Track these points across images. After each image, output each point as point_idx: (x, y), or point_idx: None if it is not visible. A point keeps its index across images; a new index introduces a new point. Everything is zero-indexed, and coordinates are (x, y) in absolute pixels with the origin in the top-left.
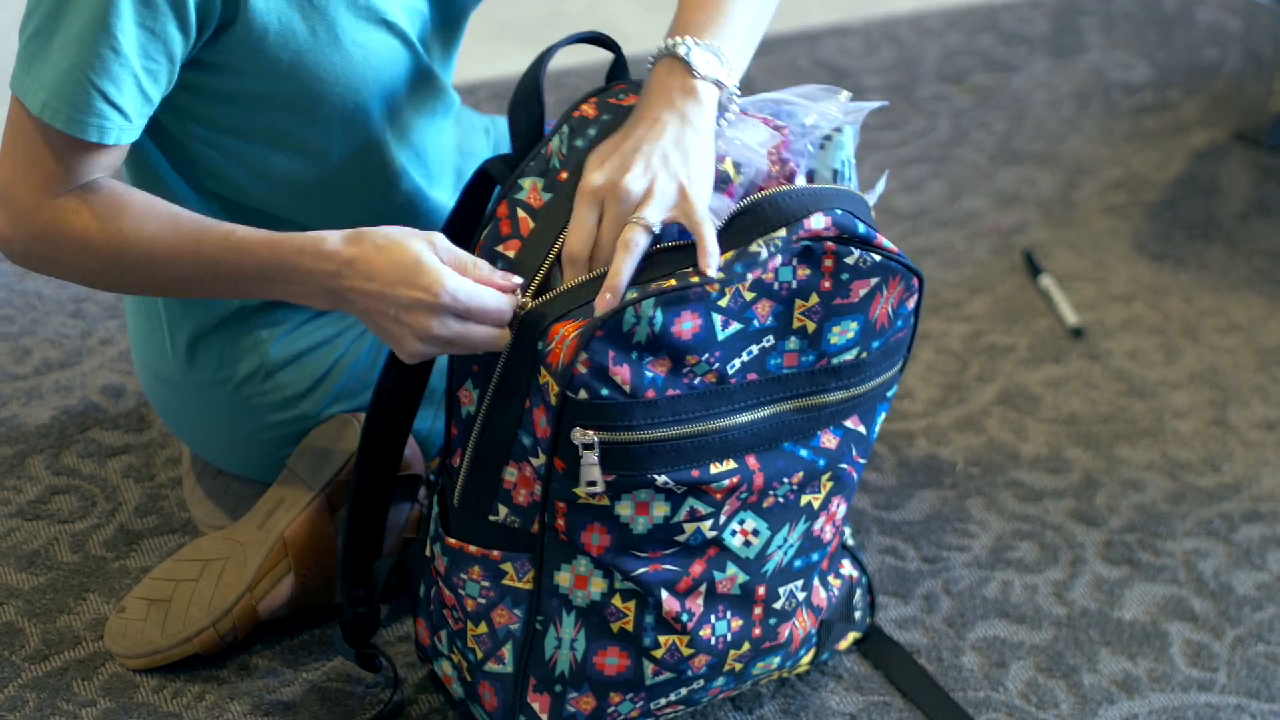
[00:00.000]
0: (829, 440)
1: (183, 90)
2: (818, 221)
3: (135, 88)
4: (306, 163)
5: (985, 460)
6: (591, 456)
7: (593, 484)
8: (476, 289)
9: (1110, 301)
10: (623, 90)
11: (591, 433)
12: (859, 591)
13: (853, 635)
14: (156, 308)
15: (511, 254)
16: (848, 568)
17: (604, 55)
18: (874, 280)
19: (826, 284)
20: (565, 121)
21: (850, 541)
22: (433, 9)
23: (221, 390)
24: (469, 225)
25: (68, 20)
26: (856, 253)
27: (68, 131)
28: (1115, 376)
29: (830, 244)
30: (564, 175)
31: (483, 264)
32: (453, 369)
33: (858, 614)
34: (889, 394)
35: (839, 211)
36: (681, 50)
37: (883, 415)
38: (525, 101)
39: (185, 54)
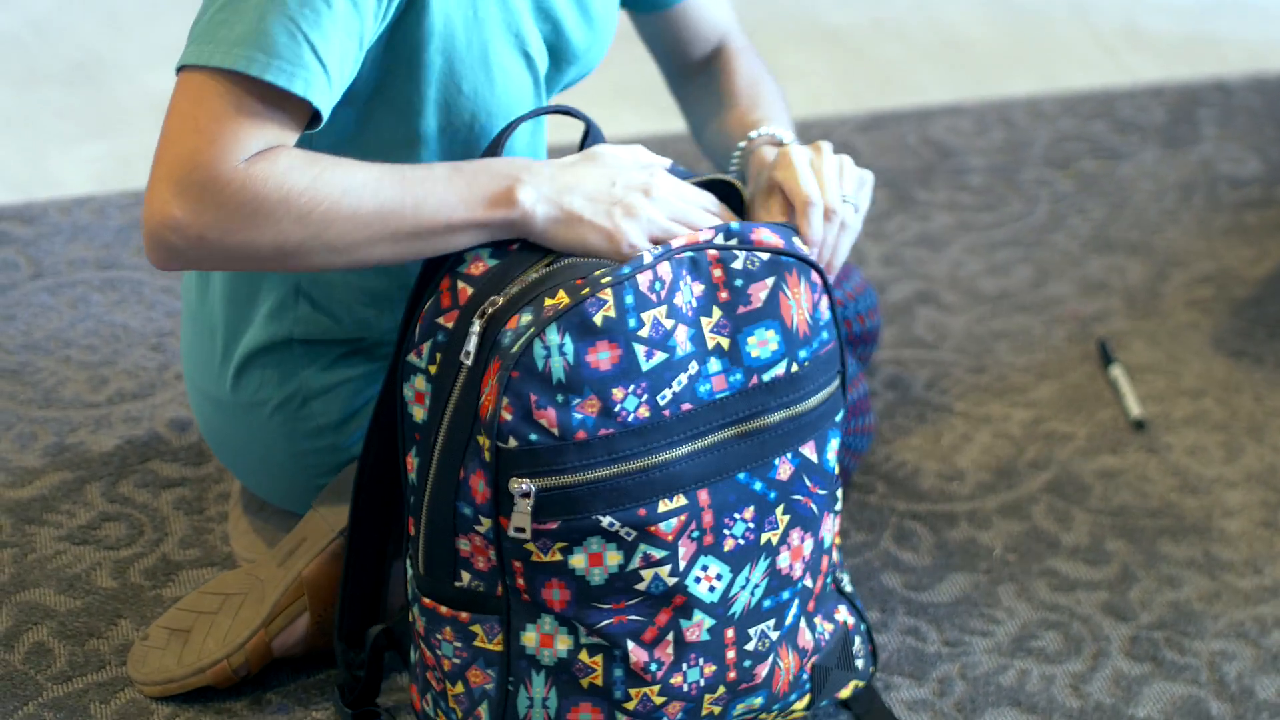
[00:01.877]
0: (784, 470)
1: None
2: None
3: (340, 45)
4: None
5: (1024, 547)
6: (525, 505)
7: (521, 530)
8: (682, 191)
9: (1179, 395)
10: None
11: (527, 481)
12: (858, 639)
13: (854, 684)
14: (213, 322)
15: (450, 324)
16: (843, 613)
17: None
18: (770, 280)
19: (724, 294)
20: None
21: (848, 588)
22: (547, 69)
23: (260, 412)
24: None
25: None
26: (742, 254)
27: (275, 81)
28: (1171, 471)
29: (712, 251)
30: (515, 245)
31: (687, 187)
32: (402, 435)
33: (859, 662)
34: (837, 419)
35: None
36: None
37: (835, 443)
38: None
39: (370, 38)
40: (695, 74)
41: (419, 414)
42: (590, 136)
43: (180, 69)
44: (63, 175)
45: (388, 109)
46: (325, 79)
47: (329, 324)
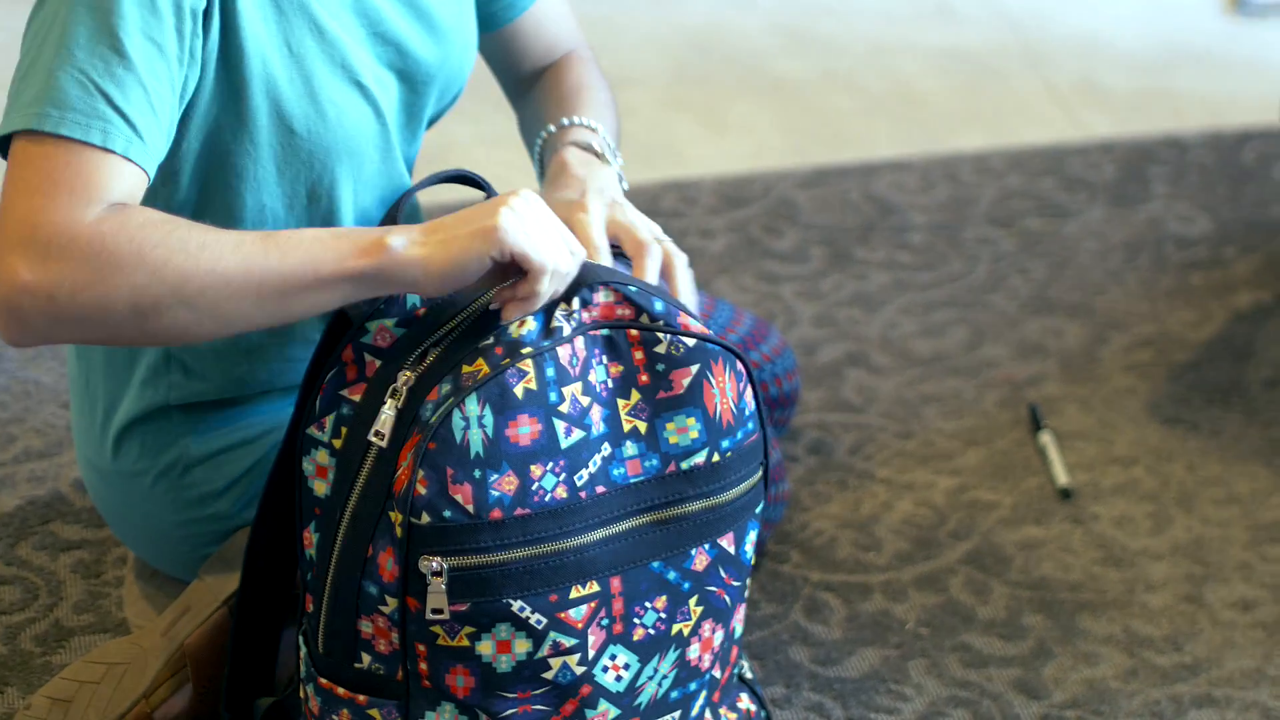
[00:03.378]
0: (700, 560)
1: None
2: (605, 296)
3: (143, 98)
4: (261, 228)
5: (939, 621)
6: (439, 584)
7: (439, 611)
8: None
9: (1110, 464)
10: None
11: (438, 559)
12: None
13: None
14: (94, 392)
15: (356, 398)
16: (745, 701)
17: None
18: (695, 367)
19: (644, 377)
20: None
21: (749, 675)
22: (400, 93)
23: (141, 481)
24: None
25: (65, 34)
26: (666, 338)
27: (71, 135)
28: (1095, 543)
29: (633, 332)
30: (422, 311)
31: None
32: (299, 508)
33: None
34: (758, 510)
35: (633, 288)
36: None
37: (753, 534)
38: None
39: (183, 83)
40: (532, 85)
41: (320, 488)
42: None
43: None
44: None
45: (220, 167)
46: (129, 130)
47: (203, 387)
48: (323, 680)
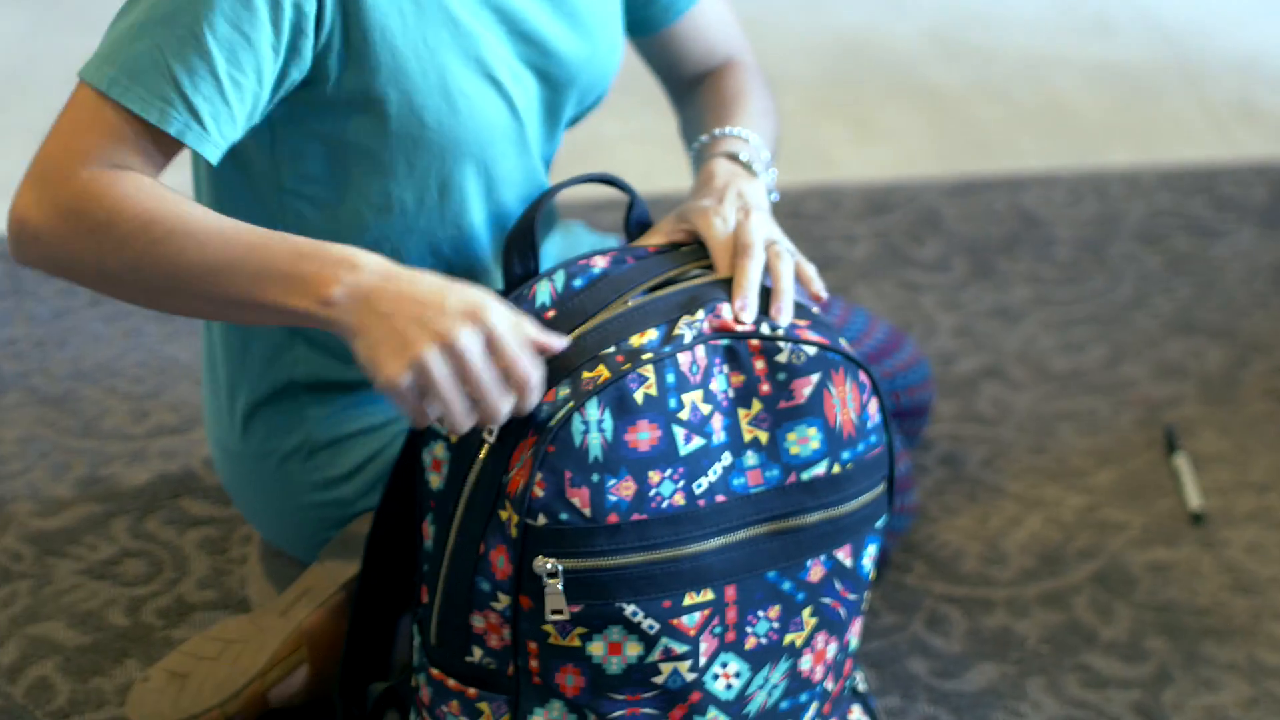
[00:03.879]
0: (816, 572)
1: (286, 122)
2: (727, 311)
3: (213, 88)
4: (390, 218)
5: (1060, 639)
6: (555, 585)
7: (558, 613)
8: (522, 332)
9: (1244, 489)
10: (643, 250)
11: (554, 560)
12: None
13: None
14: (219, 372)
15: None
16: (857, 714)
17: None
18: (815, 376)
19: (765, 387)
20: (565, 266)
21: (861, 688)
22: (540, 92)
23: (268, 463)
24: None
25: (159, 7)
26: (786, 347)
27: (129, 107)
28: (1224, 568)
29: (754, 341)
30: (550, 314)
31: (530, 323)
32: (419, 499)
33: None
34: (878, 524)
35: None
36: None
37: (873, 548)
38: (518, 239)
39: (276, 75)
40: (693, 89)
41: (435, 481)
42: (634, 208)
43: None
44: None
45: (351, 154)
46: (188, 115)
47: (329, 361)
48: (434, 671)
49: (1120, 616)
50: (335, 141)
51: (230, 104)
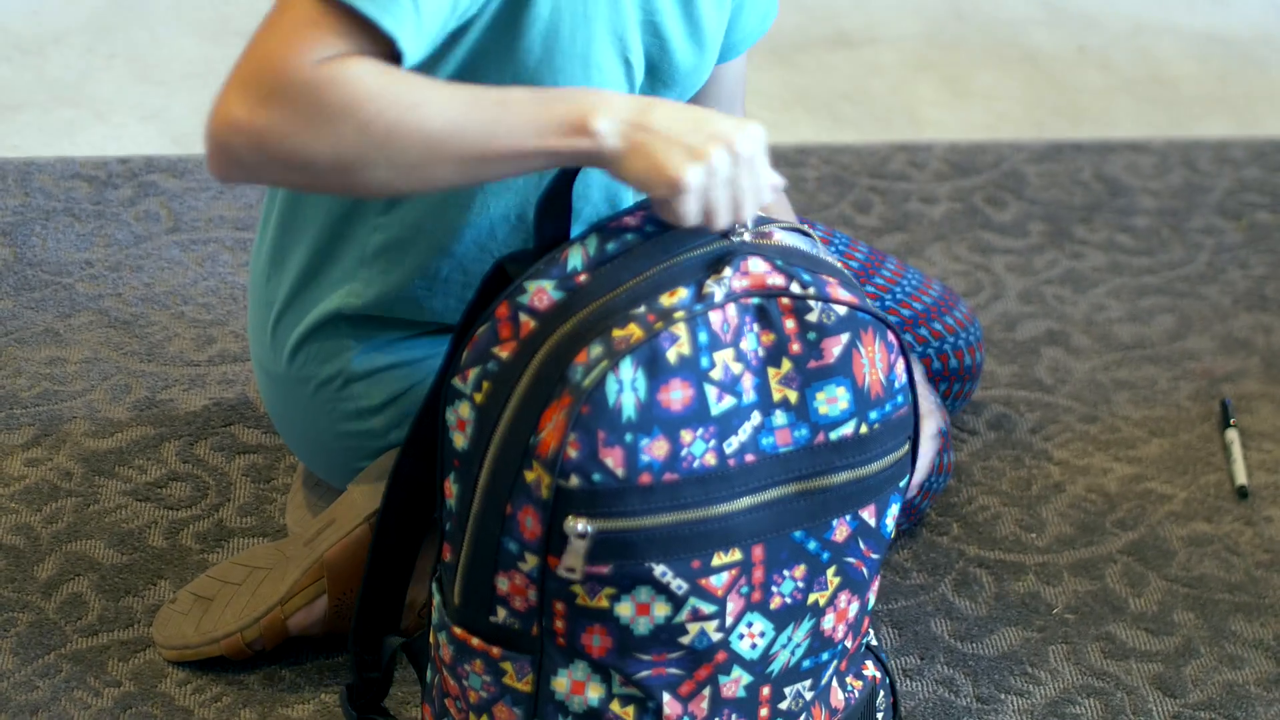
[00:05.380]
0: (841, 531)
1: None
2: (757, 265)
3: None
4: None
5: (1087, 608)
6: (580, 546)
7: (572, 570)
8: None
9: None
10: None
11: (584, 521)
12: (881, 693)
13: None
14: (273, 293)
15: (505, 355)
16: (870, 668)
17: None
18: (845, 336)
19: (795, 346)
20: (597, 230)
21: (874, 642)
22: (644, 84)
23: (304, 389)
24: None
25: None
26: (817, 306)
27: (365, 11)
28: (1263, 545)
29: (785, 300)
30: (582, 278)
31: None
32: (441, 457)
33: (880, 715)
34: (902, 483)
35: (779, 261)
36: None
37: (895, 508)
38: (552, 199)
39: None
40: None
41: (459, 441)
42: None
43: None
44: None
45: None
46: (416, 21)
47: (381, 297)
48: (457, 630)
49: (1152, 589)
50: (463, 79)
51: (439, 12)
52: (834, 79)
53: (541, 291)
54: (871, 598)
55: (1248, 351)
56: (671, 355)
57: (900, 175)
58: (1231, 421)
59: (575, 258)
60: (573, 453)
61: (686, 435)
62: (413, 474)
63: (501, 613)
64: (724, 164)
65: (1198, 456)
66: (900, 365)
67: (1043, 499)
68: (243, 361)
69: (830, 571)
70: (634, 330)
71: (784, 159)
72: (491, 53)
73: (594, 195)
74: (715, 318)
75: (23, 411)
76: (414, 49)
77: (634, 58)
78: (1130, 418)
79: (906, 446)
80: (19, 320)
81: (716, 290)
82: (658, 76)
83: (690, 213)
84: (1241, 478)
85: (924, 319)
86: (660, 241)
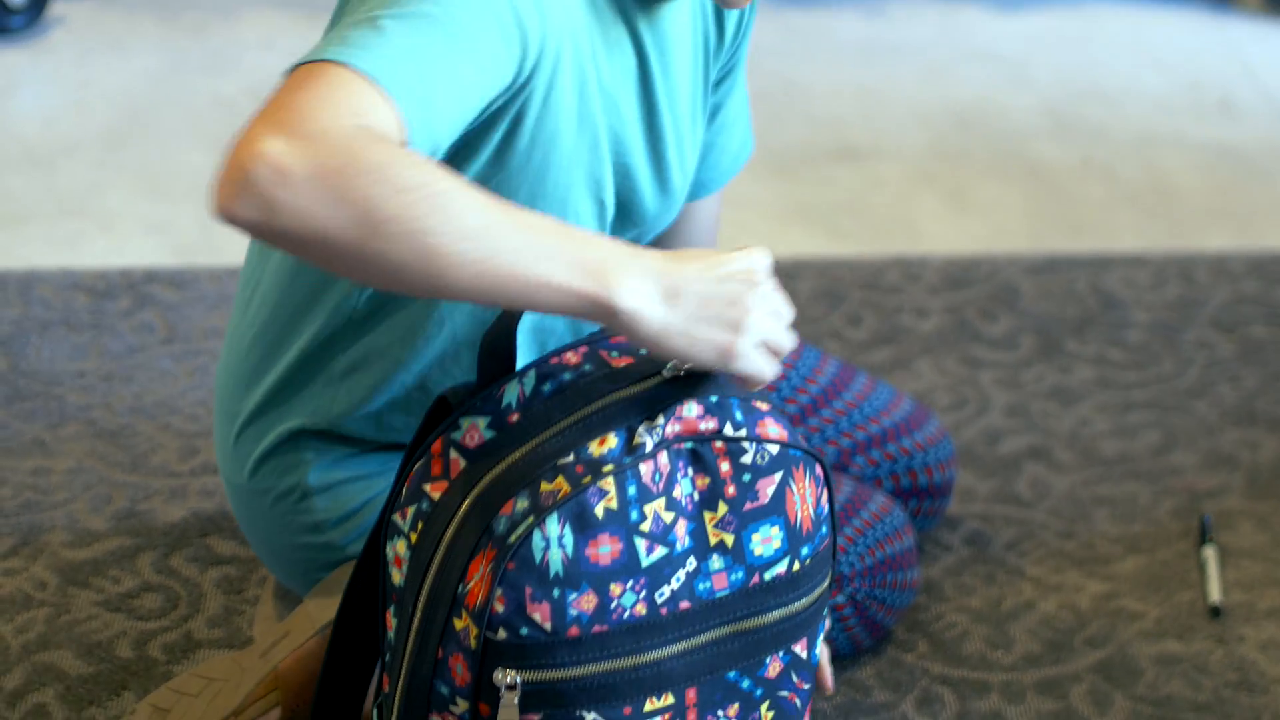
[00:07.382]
0: (774, 667)
1: None
2: (689, 409)
3: (443, 91)
4: (457, 307)
5: None
6: (512, 699)
7: None
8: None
9: (1271, 585)
10: (617, 349)
11: (514, 673)
12: None
13: None
14: (235, 408)
15: (436, 495)
16: None
17: None
18: (778, 475)
19: (730, 489)
20: (537, 367)
21: None
22: (611, 223)
23: (264, 500)
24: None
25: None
26: (751, 448)
27: (395, 98)
28: (1232, 665)
29: (719, 444)
30: (514, 417)
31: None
32: (382, 589)
33: None
34: (824, 611)
35: (713, 399)
36: None
37: (820, 636)
38: (496, 337)
39: (486, 101)
40: None
41: (397, 577)
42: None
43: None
44: (227, 244)
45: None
46: (419, 103)
47: (342, 412)
48: None
49: (1116, 708)
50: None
51: (454, 107)
52: (835, 191)
53: (474, 428)
54: None
55: (1231, 467)
56: (599, 510)
57: (894, 288)
58: (1209, 538)
59: (511, 394)
60: (500, 607)
61: (616, 588)
62: (366, 589)
63: None
64: (762, 317)
65: (1174, 574)
66: (825, 497)
67: (1013, 616)
68: None
69: (764, 707)
70: (561, 484)
71: (779, 271)
72: (482, 180)
73: (559, 326)
74: (645, 469)
75: (4, 521)
76: (424, 140)
77: (607, 197)
78: (1108, 534)
79: (830, 578)
80: (8, 430)
81: (648, 440)
82: (627, 216)
83: (760, 376)
84: (1215, 596)
85: (889, 437)
86: (594, 380)
